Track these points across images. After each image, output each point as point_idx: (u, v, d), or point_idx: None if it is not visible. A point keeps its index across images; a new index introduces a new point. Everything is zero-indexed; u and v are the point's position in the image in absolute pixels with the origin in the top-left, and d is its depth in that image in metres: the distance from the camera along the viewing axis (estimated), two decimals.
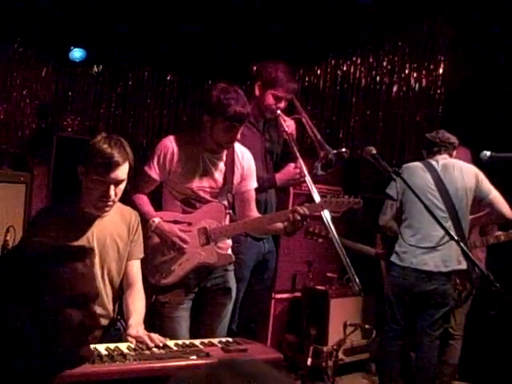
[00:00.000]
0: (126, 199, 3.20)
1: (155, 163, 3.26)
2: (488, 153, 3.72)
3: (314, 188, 3.44)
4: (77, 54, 5.81)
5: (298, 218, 3.10)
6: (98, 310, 2.79)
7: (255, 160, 3.55)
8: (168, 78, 6.02)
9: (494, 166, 4.06)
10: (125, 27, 5.43)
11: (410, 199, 4.11)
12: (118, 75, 6.01)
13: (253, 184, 3.46)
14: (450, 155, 4.25)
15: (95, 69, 6.03)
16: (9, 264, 1.60)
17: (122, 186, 2.76)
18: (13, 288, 1.54)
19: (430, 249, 4.02)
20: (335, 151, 3.63)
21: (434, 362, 4.12)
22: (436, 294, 4.05)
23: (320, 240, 4.29)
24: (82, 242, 2.75)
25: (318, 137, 3.72)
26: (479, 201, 4.17)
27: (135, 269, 2.92)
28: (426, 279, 4.05)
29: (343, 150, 3.68)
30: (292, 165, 3.73)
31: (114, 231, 2.86)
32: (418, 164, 4.26)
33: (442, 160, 4.20)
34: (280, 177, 3.79)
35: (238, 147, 3.41)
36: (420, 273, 4.05)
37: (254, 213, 3.45)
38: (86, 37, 5.61)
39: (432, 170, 4.18)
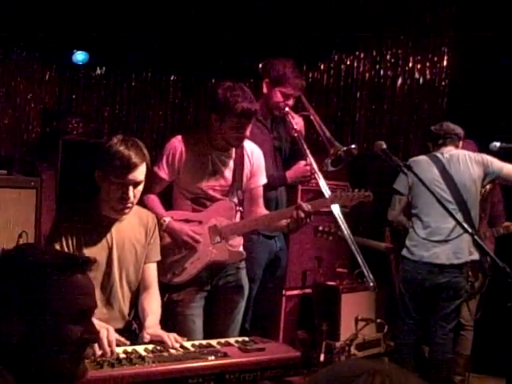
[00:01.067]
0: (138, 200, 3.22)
1: (164, 163, 3.26)
2: (498, 143, 3.73)
3: (325, 184, 3.44)
4: (80, 56, 5.81)
5: (302, 215, 3.10)
6: (115, 313, 2.81)
7: (265, 158, 3.55)
8: (171, 78, 6.01)
9: (503, 156, 4.08)
10: (126, 29, 5.42)
11: (418, 193, 4.11)
12: (121, 77, 6.01)
13: (262, 180, 3.46)
14: (456, 146, 4.24)
15: (98, 71, 6.03)
16: (6, 268, 1.53)
17: (141, 188, 2.76)
18: (9, 294, 1.48)
19: (441, 242, 4.02)
20: (345, 148, 3.62)
21: (448, 355, 4.11)
22: (448, 286, 4.04)
23: (330, 238, 4.30)
24: (102, 245, 2.76)
25: (327, 133, 3.70)
26: (493, 180, 4.16)
27: (152, 271, 2.92)
28: (437, 272, 4.04)
29: (353, 146, 3.67)
30: (302, 162, 3.73)
31: (132, 235, 2.86)
32: (423, 158, 4.25)
33: (447, 152, 4.19)
34: (290, 174, 3.79)
35: (248, 144, 3.41)
36: (432, 266, 4.04)
37: (262, 209, 3.45)
38: (89, 39, 5.61)
39: (438, 163, 4.17)
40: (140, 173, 2.71)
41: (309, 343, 4.83)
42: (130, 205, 2.74)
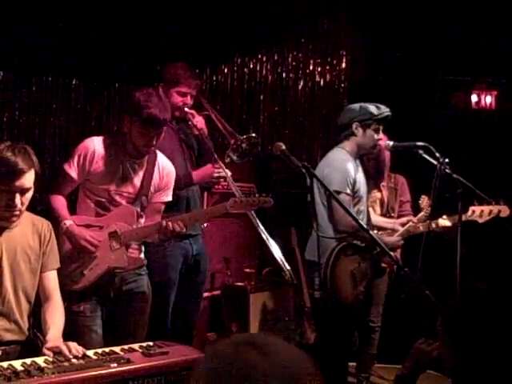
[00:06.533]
0: (43, 198, 3.19)
1: (75, 163, 3.24)
2: (391, 142, 3.87)
3: (235, 186, 3.50)
4: None
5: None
6: (11, 325, 2.72)
7: (175, 157, 3.63)
8: (73, 82, 5.88)
9: (398, 154, 4.24)
10: (24, 31, 5.26)
11: None
12: (20, 82, 5.82)
13: (166, 197, 3.48)
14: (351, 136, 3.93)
15: None
16: None
17: (29, 195, 2.69)
18: None
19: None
20: (244, 136, 3.71)
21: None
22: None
23: None
24: None
25: (228, 127, 3.79)
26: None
27: (51, 281, 2.87)
28: None
29: (252, 134, 3.77)
30: (211, 164, 3.78)
31: (24, 242, 2.79)
32: None
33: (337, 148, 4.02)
34: (197, 174, 3.80)
35: (161, 158, 3.44)
36: None
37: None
38: None
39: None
40: (27, 180, 2.64)
41: None
42: (17, 212, 2.68)
